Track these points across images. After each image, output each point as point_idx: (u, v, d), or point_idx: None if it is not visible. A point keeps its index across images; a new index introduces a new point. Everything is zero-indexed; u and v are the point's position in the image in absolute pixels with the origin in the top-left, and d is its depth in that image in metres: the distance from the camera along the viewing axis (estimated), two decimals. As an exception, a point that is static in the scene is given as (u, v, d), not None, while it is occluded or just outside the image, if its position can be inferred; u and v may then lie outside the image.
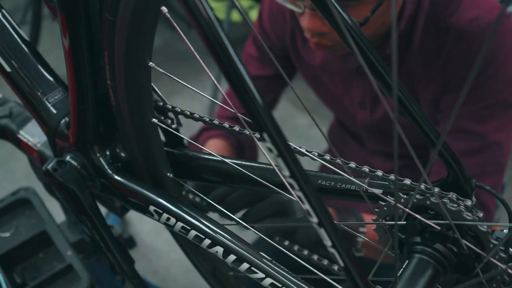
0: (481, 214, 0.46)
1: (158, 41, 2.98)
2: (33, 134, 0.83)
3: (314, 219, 0.38)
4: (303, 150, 0.54)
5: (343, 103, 1.14)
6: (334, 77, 1.09)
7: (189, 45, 0.51)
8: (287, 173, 0.37)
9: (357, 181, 0.50)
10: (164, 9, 0.47)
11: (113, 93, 0.58)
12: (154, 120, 0.61)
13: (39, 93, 0.70)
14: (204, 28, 0.36)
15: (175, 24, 0.51)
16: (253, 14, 2.54)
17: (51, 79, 0.72)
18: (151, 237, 1.93)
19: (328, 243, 0.38)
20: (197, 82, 2.41)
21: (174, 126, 0.68)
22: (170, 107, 0.64)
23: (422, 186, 0.48)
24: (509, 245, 0.49)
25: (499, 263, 0.44)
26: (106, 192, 0.70)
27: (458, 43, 0.90)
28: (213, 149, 1.10)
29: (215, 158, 0.68)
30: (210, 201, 0.68)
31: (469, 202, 0.46)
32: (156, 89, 0.66)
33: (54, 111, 0.70)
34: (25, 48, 0.71)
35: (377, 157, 1.20)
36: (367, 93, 1.06)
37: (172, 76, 0.59)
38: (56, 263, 0.98)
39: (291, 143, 0.56)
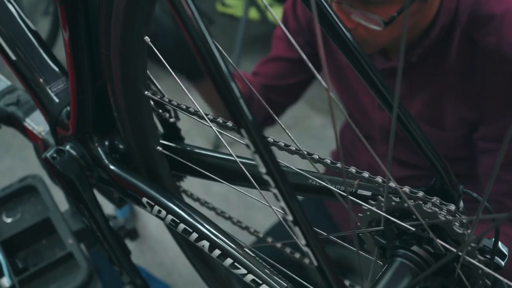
0: (464, 219, 0.46)
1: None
2: (38, 122, 0.84)
3: (289, 217, 0.38)
4: (293, 148, 0.54)
5: (362, 102, 1.12)
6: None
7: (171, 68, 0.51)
8: (263, 169, 0.38)
9: (334, 189, 0.50)
10: (146, 38, 0.50)
11: (120, 124, 0.63)
12: (159, 148, 0.66)
13: (42, 82, 0.71)
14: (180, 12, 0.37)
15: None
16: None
17: (56, 68, 0.74)
18: (159, 230, 1.94)
19: (302, 241, 0.39)
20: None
21: (172, 120, 0.68)
22: (167, 100, 0.64)
23: (407, 190, 0.47)
24: (495, 253, 0.48)
25: (474, 261, 0.43)
26: (104, 182, 0.71)
27: (500, 68, 0.85)
28: None
29: (212, 154, 0.68)
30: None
31: (452, 207, 0.45)
32: (155, 81, 0.67)
33: (57, 100, 0.72)
34: (31, 38, 0.73)
35: (386, 163, 1.19)
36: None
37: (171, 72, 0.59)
38: (58, 251, 0.99)
39: (282, 141, 0.56)
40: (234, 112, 0.37)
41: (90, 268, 0.93)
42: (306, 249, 0.39)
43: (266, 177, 0.38)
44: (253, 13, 2.55)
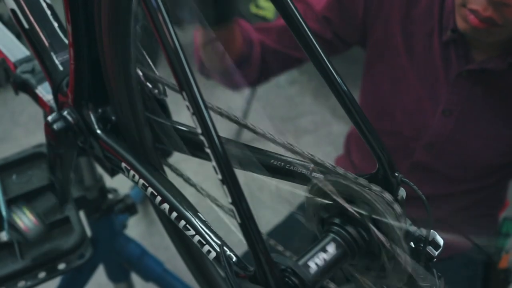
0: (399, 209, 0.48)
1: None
2: (49, 91, 0.91)
3: (219, 176, 0.42)
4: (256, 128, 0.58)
5: (422, 106, 1.05)
6: (428, 74, 1.02)
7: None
8: (199, 130, 0.42)
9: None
10: None
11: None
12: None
13: (49, 49, 0.77)
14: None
15: None
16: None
17: (65, 40, 0.80)
18: (170, 216, 2.01)
19: (228, 199, 0.42)
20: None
21: (160, 96, 0.73)
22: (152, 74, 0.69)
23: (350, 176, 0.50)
24: (426, 244, 0.50)
25: (400, 254, 0.46)
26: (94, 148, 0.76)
27: None
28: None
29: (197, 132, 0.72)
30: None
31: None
32: (148, 58, 0.71)
33: (61, 68, 0.78)
34: (46, 9, 0.79)
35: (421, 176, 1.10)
36: (461, 101, 1.01)
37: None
38: (58, 214, 1.05)
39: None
40: (178, 74, 0.41)
41: (83, 233, 0.99)
42: (231, 206, 0.42)
43: (201, 137, 0.42)
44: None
